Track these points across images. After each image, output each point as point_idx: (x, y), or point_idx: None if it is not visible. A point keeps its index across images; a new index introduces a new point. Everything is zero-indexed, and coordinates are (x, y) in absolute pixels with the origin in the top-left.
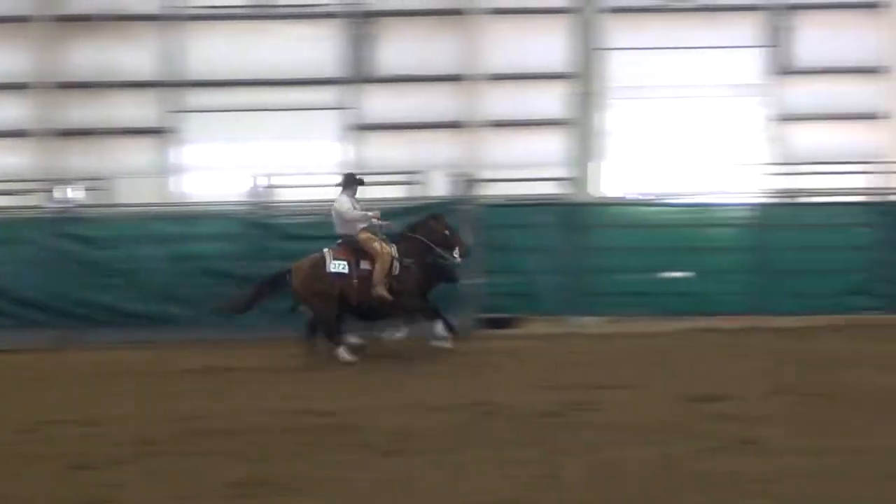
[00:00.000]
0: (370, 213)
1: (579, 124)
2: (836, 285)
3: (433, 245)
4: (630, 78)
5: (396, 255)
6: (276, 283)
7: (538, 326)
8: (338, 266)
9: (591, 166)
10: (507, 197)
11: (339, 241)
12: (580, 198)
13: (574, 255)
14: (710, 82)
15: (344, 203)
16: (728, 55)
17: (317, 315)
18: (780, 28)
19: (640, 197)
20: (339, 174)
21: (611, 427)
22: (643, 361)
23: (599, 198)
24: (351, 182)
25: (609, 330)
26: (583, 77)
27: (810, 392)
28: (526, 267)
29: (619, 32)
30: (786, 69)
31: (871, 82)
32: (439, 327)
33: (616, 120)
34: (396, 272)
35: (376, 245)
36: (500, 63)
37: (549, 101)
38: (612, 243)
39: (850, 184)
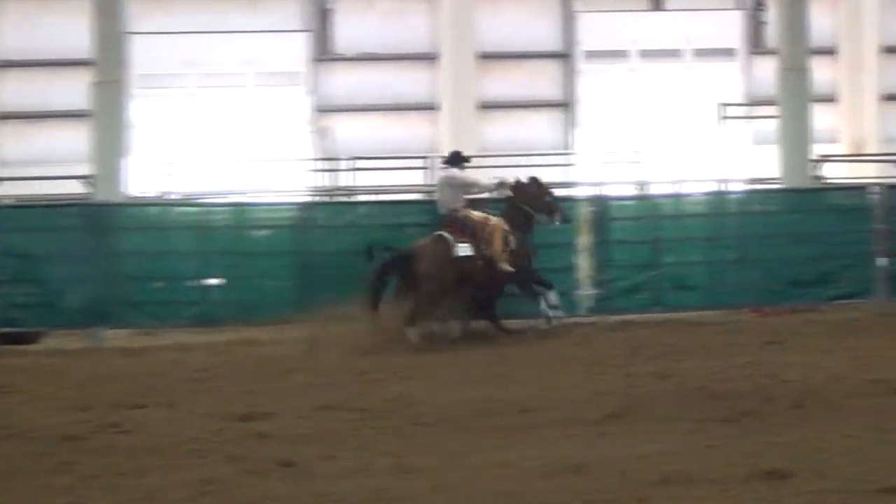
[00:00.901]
0: (495, 181)
1: (103, 116)
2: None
3: (533, 212)
4: (160, 65)
5: (507, 228)
6: (389, 271)
7: (62, 341)
8: (464, 249)
9: (117, 163)
10: (23, 198)
11: (447, 221)
12: (107, 198)
13: (101, 262)
14: (250, 70)
15: (460, 174)
16: (269, 40)
17: (427, 296)
18: (323, 12)
19: (173, 196)
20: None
21: (145, 450)
22: (179, 377)
23: (128, 198)
24: (459, 159)
25: (141, 343)
26: (106, 64)
27: (357, 408)
28: (47, 275)
29: (147, 15)
30: (329, 56)
31: (423, 71)
32: (552, 299)
33: (145, 111)
34: (513, 246)
35: (489, 220)
36: (14, 48)
37: (70, 90)
38: (143, 248)
39: (403, 180)
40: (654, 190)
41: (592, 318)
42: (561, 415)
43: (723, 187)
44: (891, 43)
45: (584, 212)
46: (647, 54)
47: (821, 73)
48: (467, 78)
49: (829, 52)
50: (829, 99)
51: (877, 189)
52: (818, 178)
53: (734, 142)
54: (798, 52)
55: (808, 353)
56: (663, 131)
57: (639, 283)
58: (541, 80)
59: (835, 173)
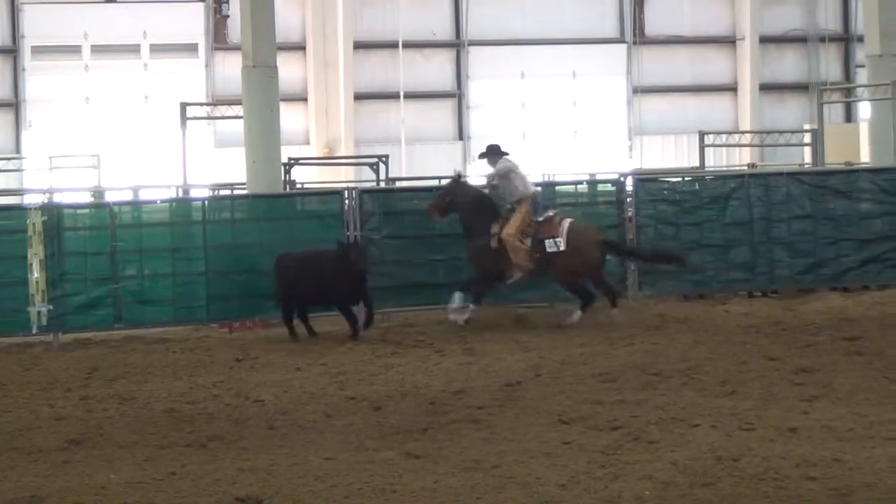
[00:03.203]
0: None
1: None
2: None
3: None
4: None
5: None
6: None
7: None
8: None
9: None
10: None
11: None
12: None
13: None
14: None
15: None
16: None
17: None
18: None
19: None
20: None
21: None
22: None
23: None
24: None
25: None
26: None
27: None
28: None
29: None
30: None
31: None
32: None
33: None
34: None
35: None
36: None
37: None
38: None
39: None
40: (111, 197)
41: (46, 337)
42: (14, 443)
43: (186, 193)
44: (362, 39)
45: (36, 221)
46: (101, 49)
47: (290, 70)
48: None
49: (299, 48)
50: (299, 98)
51: (353, 194)
52: (290, 182)
53: (198, 144)
54: (265, 48)
55: (282, 370)
56: (121, 133)
57: (97, 297)
58: None
59: (308, 177)
